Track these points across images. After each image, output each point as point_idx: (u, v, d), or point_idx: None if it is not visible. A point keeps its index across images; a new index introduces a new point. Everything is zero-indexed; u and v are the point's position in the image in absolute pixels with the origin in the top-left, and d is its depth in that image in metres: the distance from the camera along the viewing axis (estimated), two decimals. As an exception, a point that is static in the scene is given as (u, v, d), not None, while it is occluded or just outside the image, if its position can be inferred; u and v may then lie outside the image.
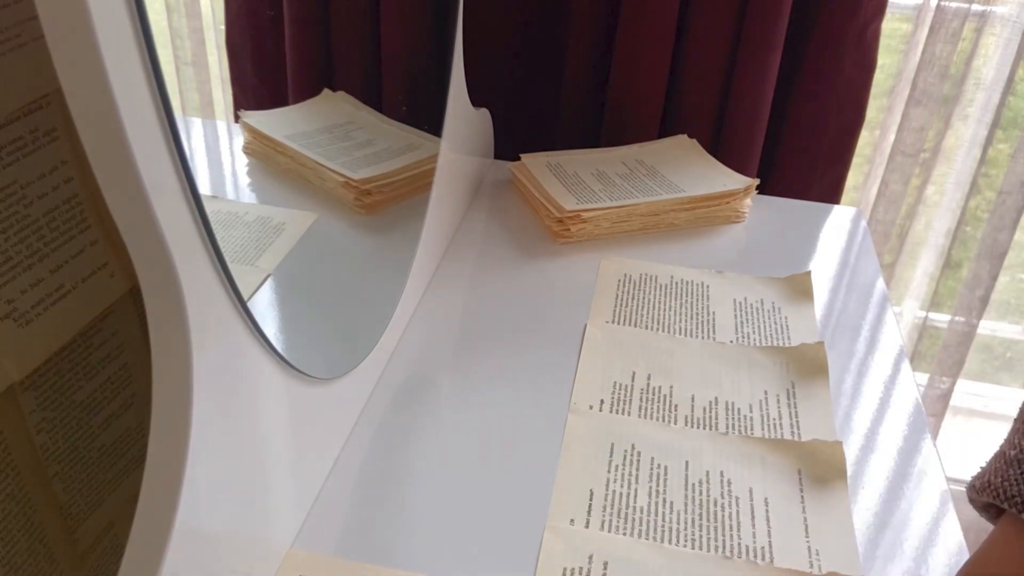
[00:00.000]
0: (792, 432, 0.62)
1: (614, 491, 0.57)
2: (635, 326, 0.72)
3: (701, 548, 0.53)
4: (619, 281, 0.78)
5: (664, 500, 0.56)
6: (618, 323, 0.73)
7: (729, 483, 0.58)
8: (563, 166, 0.91)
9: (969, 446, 1.40)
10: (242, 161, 0.65)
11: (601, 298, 0.76)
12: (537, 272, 0.80)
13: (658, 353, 0.69)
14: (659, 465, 0.59)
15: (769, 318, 0.74)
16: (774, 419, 0.63)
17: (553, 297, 0.77)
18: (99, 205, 0.49)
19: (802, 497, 0.57)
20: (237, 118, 0.64)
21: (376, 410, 0.63)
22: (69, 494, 0.51)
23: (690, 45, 0.96)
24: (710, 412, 0.63)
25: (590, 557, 0.52)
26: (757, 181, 0.90)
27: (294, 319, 0.59)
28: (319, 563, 0.51)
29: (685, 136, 0.97)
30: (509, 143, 0.99)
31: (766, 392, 0.65)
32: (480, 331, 0.72)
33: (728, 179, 0.89)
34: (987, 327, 1.42)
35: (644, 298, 0.76)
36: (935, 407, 1.27)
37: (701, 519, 0.55)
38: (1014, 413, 0.53)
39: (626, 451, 0.60)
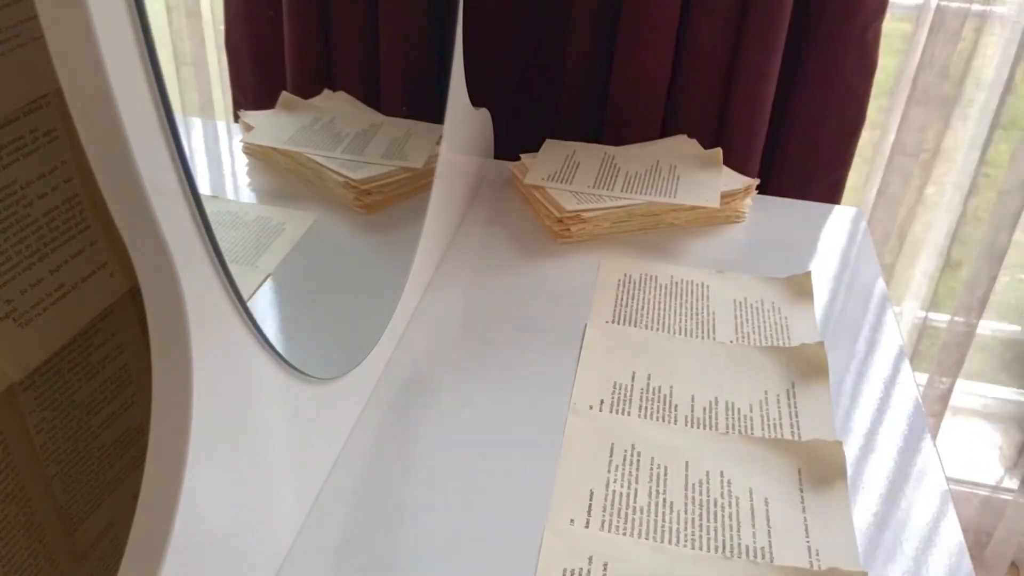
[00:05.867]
0: (792, 432, 0.62)
1: (614, 491, 0.57)
2: (635, 326, 0.72)
3: (701, 548, 0.53)
4: (619, 281, 0.78)
5: (664, 500, 0.56)
6: (618, 323, 0.73)
7: (729, 483, 0.58)
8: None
9: (969, 446, 1.40)
10: (242, 161, 0.65)
11: (601, 298, 0.76)
12: (537, 272, 0.80)
13: (658, 353, 0.69)
14: (659, 465, 0.59)
15: (769, 318, 0.74)
16: (774, 419, 0.63)
17: (553, 297, 0.77)
18: (99, 205, 0.49)
19: (802, 497, 0.57)
20: (237, 118, 0.64)
21: (376, 410, 0.63)
22: (69, 494, 0.51)
23: (690, 45, 0.96)
24: (710, 412, 0.63)
25: (590, 558, 0.52)
26: (757, 181, 0.90)
27: (294, 319, 0.59)
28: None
29: (685, 136, 0.97)
30: (509, 143, 0.99)
31: (766, 392, 0.65)
32: (480, 331, 0.72)
33: (728, 179, 0.89)
34: (987, 327, 1.42)
35: (644, 298, 0.76)
36: (935, 407, 1.27)
37: (701, 519, 0.55)
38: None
39: (626, 451, 0.60)
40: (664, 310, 0.74)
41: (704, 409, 0.64)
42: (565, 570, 0.51)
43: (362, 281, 0.70)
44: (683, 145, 0.96)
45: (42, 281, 0.46)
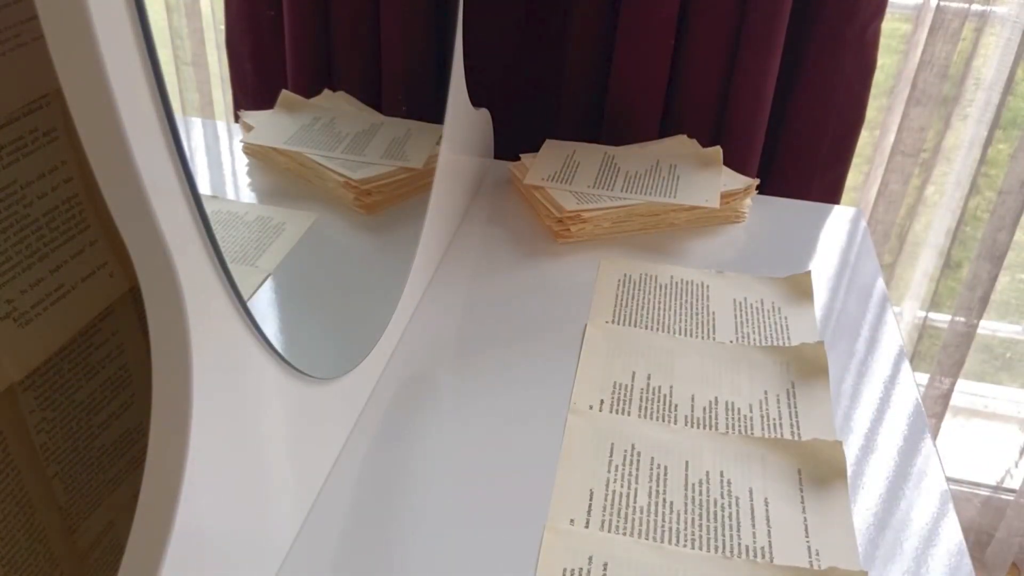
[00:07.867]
0: (792, 432, 0.62)
1: (614, 491, 0.57)
2: (635, 326, 0.72)
3: (701, 548, 0.53)
4: (619, 281, 0.78)
5: (664, 500, 0.56)
6: (618, 323, 0.73)
7: (729, 483, 0.58)
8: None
9: (969, 446, 1.40)
10: (242, 161, 0.65)
11: (601, 298, 0.76)
12: (537, 272, 0.80)
13: (658, 353, 0.69)
14: (659, 465, 0.59)
15: (769, 318, 0.74)
16: (774, 419, 0.63)
17: (553, 297, 0.77)
18: (99, 205, 0.49)
19: (802, 497, 0.57)
20: (237, 118, 0.64)
21: (376, 410, 0.63)
22: (69, 494, 0.51)
23: (690, 45, 0.96)
24: (710, 412, 0.63)
25: (590, 558, 0.52)
26: (757, 181, 0.90)
27: (294, 319, 0.59)
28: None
29: (685, 136, 0.97)
30: (509, 143, 0.99)
31: (766, 392, 0.65)
32: (480, 331, 0.72)
33: (728, 179, 0.89)
34: (987, 327, 1.42)
35: (644, 298, 0.76)
36: (935, 407, 1.27)
37: (701, 519, 0.55)
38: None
39: (626, 451, 0.60)
40: (664, 310, 0.74)
41: (704, 409, 0.64)
42: (565, 570, 0.51)
43: (362, 281, 0.70)
44: (683, 145, 0.96)
45: (42, 281, 0.46)
